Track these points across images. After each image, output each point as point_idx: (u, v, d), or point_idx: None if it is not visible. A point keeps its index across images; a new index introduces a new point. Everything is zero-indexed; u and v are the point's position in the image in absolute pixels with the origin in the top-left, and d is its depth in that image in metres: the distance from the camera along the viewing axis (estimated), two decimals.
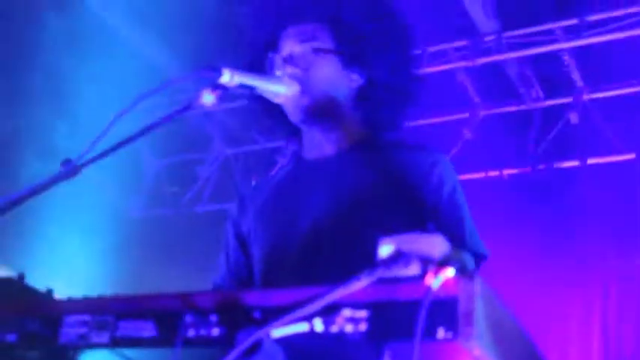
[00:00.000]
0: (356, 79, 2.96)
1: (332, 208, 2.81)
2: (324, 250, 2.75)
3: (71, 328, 1.98)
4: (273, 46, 2.97)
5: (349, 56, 2.93)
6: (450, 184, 2.84)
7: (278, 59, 2.89)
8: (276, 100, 2.85)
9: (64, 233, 7.63)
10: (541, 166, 7.65)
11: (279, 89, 2.79)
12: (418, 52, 7.26)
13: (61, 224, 7.52)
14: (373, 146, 2.96)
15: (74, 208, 7.27)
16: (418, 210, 2.76)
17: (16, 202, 2.26)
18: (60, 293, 2.17)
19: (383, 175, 2.85)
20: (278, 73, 2.83)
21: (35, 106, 7.09)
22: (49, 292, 2.18)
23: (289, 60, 2.88)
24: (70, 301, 2.07)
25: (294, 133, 3.06)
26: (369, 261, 2.34)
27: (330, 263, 2.68)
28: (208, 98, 2.48)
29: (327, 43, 2.92)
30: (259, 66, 2.88)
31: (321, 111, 2.89)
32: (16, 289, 2.15)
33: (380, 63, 2.96)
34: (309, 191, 2.89)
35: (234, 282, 3.03)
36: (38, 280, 2.20)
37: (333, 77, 2.92)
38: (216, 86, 2.50)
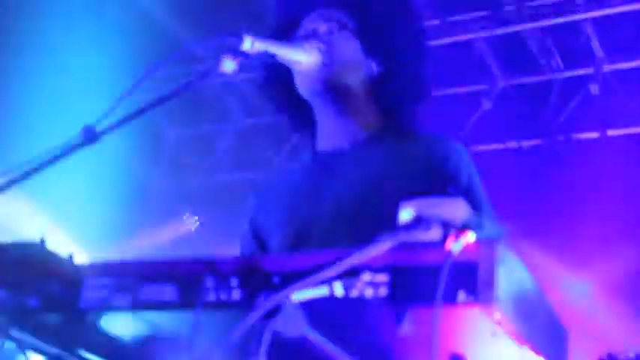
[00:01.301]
0: (374, 68, 2.97)
1: (351, 202, 2.80)
2: (344, 245, 2.75)
3: (92, 292, 1.99)
4: (295, 25, 2.97)
5: (371, 44, 2.93)
6: (467, 172, 2.83)
7: (300, 34, 2.89)
8: (297, 68, 2.84)
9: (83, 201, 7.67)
10: (560, 137, 7.62)
11: (302, 57, 2.78)
12: (436, 22, 7.24)
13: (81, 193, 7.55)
14: (388, 137, 2.94)
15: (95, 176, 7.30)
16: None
17: (34, 170, 2.27)
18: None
19: (399, 167, 2.84)
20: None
21: None
22: (70, 256, 2.19)
23: (313, 34, 2.88)
24: (91, 265, 2.08)
25: (301, 113, 3.04)
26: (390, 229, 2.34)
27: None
28: (229, 65, 2.47)
29: (352, 26, 2.93)
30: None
31: (338, 88, 2.88)
32: (36, 254, 2.16)
33: (400, 55, 2.97)
34: (327, 186, 2.88)
35: None
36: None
37: (355, 59, 2.93)
38: (237, 53, 2.49)
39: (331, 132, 2.97)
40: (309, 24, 2.94)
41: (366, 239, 2.67)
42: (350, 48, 2.92)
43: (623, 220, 7.44)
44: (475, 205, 2.77)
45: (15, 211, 7.14)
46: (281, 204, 3.00)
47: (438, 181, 2.78)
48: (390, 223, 2.07)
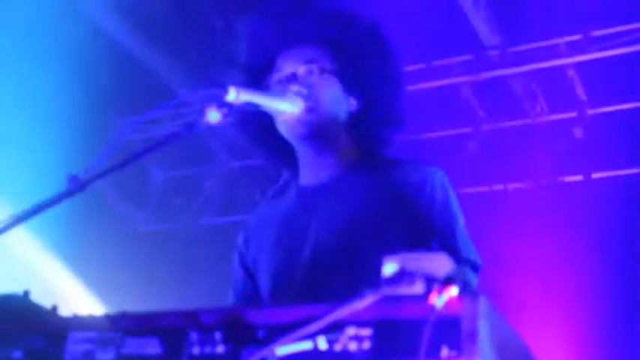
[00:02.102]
0: (353, 104, 3.00)
1: (333, 233, 2.83)
2: (328, 276, 2.76)
3: (76, 345, 1.99)
4: (269, 67, 2.99)
5: (350, 80, 2.96)
6: (442, 194, 2.86)
7: (279, 79, 2.92)
8: (281, 118, 2.87)
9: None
10: (545, 180, 7.65)
11: (285, 107, 2.80)
12: (422, 66, 7.29)
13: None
14: (368, 167, 2.98)
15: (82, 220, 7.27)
16: (417, 226, 2.77)
17: (21, 219, 2.28)
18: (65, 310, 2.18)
19: (379, 195, 2.87)
20: (275, 91, 2.85)
21: None
22: (54, 308, 2.18)
23: (293, 79, 2.90)
24: (76, 318, 2.08)
25: (283, 152, 3.07)
26: (373, 283, 2.36)
27: (334, 288, 2.69)
28: (214, 116, 2.50)
29: (330, 65, 2.96)
30: (257, 84, 2.91)
31: (324, 130, 2.91)
32: (20, 306, 2.16)
33: (377, 90, 3.00)
34: (311, 220, 2.91)
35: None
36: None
37: (336, 99, 2.95)
38: (222, 104, 2.51)
39: (313, 167, 3.00)
40: (285, 64, 2.96)
41: (348, 272, 2.69)
42: (331, 88, 2.95)
43: (608, 262, 7.45)
44: (450, 227, 2.80)
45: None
46: (267, 239, 3.03)
47: (416, 204, 2.81)
48: (372, 253, 2.08)
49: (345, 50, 2.97)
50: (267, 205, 3.24)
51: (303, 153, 3.02)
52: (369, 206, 2.85)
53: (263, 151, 3.20)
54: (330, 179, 2.97)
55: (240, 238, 3.15)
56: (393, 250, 2.05)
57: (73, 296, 7.91)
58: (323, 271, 2.79)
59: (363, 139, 3.04)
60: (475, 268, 2.75)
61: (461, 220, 2.87)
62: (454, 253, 2.67)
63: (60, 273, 7.85)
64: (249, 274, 3.06)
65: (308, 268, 2.83)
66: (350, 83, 2.98)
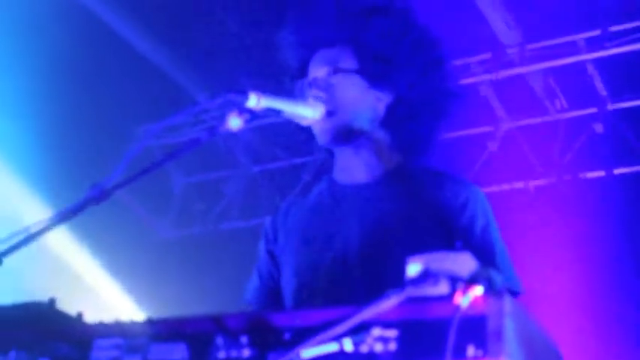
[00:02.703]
0: (383, 98, 2.96)
1: (363, 237, 2.82)
2: (354, 278, 2.76)
3: (102, 352, 2.00)
4: (303, 72, 2.99)
5: (372, 75, 2.93)
6: (484, 219, 2.84)
7: (305, 85, 2.92)
8: (304, 123, 2.87)
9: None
10: (567, 177, 7.62)
11: (305, 112, 2.81)
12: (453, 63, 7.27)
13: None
14: (406, 174, 2.95)
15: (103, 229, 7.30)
16: (449, 243, 2.74)
17: (46, 229, 2.29)
18: (91, 318, 2.19)
19: (415, 207, 2.85)
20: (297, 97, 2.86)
21: None
22: (80, 316, 2.20)
23: (313, 83, 2.90)
24: (101, 325, 2.08)
25: (328, 150, 3.06)
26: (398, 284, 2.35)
27: (360, 291, 2.69)
28: (235, 122, 2.51)
29: (349, 64, 2.93)
30: (290, 93, 2.91)
31: (348, 132, 2.89)
32: (46, 314, 2.17)
33: (402, 79, 2.96)
34: (342, 218, 2.90)
35: (267, 294, 3.04)
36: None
37: (358, 97, 2.92)
38: (243, 110, 2.52)
39: (348, 166, 2.99)
40: (310, 70, 2.97)
41: (375, 277, 2.69)
42: (350, 87, 2.93)
43: (631, 258, 7.41)
44: (490, 253, 2.77)
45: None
46: (295, 232, 3.03)
47: (454, 224, 2.79)
48: (400, 262, 2.07)
49: (365, 45, 2.95)
50: (297, 197, 3.22)
51: (338, 152, 3.01)
52: (401, 216, 2.83)
53: (300, 143, 3.16)
54: (365, 181, 2.95)
55: (267, 223, 3.15)
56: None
57: (109, 299, 7.95)
58: (349, 273, 2.79)
59: (399, 138, 3.01)
60: (514, 294, 2.71)
61: (500, 245, 2.83)
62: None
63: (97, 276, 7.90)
64: (274, 260, 3.07)
65: (335, 267, 2.83)
66: (373, 78, 2.95)
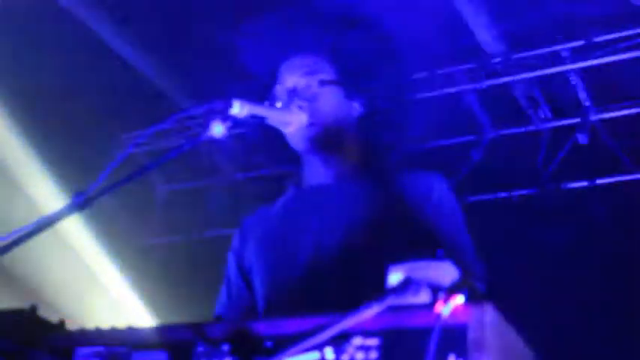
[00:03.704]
0: (357, 108, 3.01)
1: (332, 235, 2.83)
2: (326, 279, 2.76)
3: None
4: (273, 77, 3.00)
5: (351, 86, 2.96)
6: (449, 205, 2.87)
7: (282, 91, 2.93)
8: (285, 130, 2.88)
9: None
10: (550, 187, 7.65)
11: (289, 119, 2.82)
12: (425, 75, 7.29)
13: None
14: (372, 172, 2.98)
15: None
16: (419, 234, 2.77)
17: (24, 238, 2.28)
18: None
19: (383, 201, 2.87)
20: (279, 104, 2.86)
21: None
22: (62, 323, 2.19)
23: (295, 93, 2.91)
24: (83, 333, 2.08)
25: (293, 160, 3.08)
26: (371, 288, 2.36)
27: (332, 291, 2.69)
28: (218, 129, 2.51)
29: (329, 75, 2.96)
30: (261, 97, 2.92)
31: (327, 140, 2.92)
32: (27, 321, 2.16)
33: (378, 91, 3.00)
34: (309, 219, 2.91)
35: (236, 312, 3.04)
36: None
37: (338, 107, 2.96)
38: (226, 117, 2.53)
39: (317, 170, 3.02)
40: (286, 77, 2.98)
41: (347, 275, 2.70)
42: (332, 99, 2.96)
43: (614, 270, 7.43)
44: (457, 239, 2.80)
45: None
46: (263, 239, 3.03)
47: (421, 213, 2.81)
48: (372, 259, 2.08)
49: (344, 56, 2.98)
50: (264, 206, 3.23)
51: (309, 160, 3.02)
52: (372, 212, 2.85)
53: (266, 156, 3.19)
54: (333, 181, 2.97)
55: (235, 238, 3.16)
56: (394, 256, 2.04)
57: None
58: (322, 274, 2.79)
59: (370, 145, 3.04)
60: (481, 280, 2.74)
61: (464, 231, 2.87)
62: (461, 264, 2.67)
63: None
64: (244, 275, 3.07)
65: (305, 269, 2.83)
66: (351, 89, 2.98)
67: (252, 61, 3.11)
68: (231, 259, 3.14)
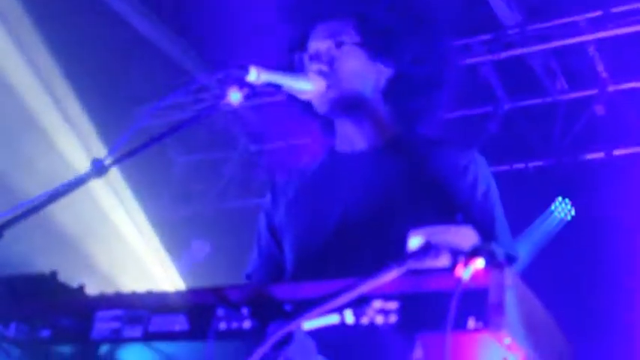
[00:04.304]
0: (384, 71, 2.97)
1: (364, 203, 2.82)
2: (355, 245, 2.76)
3: (104, 323, 2.00)
4: (302, 45, 2.99)
5: (374, 48, 2.93)
6: (485, 183, 2.83)
7: (305, 58, 2.91)
8: (303, 97, 2.86)
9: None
10: (567, 158, 7.63)
11: (305, 86, 2.80)
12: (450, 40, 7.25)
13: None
14: (406, 142, 2.95)
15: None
16: (451, 207, 2.74)
17: (46, 202, 2.29)
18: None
19: (415, 173, 2.85)
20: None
21: None
22: (81, 288, 2.20)
23: (315, 57, 2.90)
24: (102, 297, 2.09)
25: (327, 126, 3.07)
26: (400, 256, 2.35)
27: (361, 258, 2.68)
28: (235, 97, 2.50)
29: (351, 37, 2.93)
30: (289, 66, 2.91)
31: (349, 103, 2.90)
32: (48, 286, 2.18)
33: (405, 53, 2.97)
34: (341, 186, 2.91)
35: (266, 273, 3.05)
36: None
37: (359, 70, 2.93)
38: (242, 84, 2.51)
39: (349, 135, 2.99)
40: (311, 43, 2.96)
41: (376, 243, 2.69)
42: (352, 60, 2.92)
43: (631, 238, 7.41)
44: (490, 217, 2.78)
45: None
46: (295, 202, 3.04)
47: (455, 188, 2.79)
48: (401, 229, 2.07)
49: (368, 19, 2.95)
50: (296, 168, 3.22)
51: (339, 123, 3.02)
52: (402, 182, 2.84)
53: (301, 119, 3.16)
54: (366, 149, 2.96)
55: (267, 198, 3.16)
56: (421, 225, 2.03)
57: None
58: (350, 239, 2.78)
59: (400, 110, 3.02)
60: (512, 259, 2.72)
61: (500, 211, 2.83)
62: (492, 239, 2.65)
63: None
64: (274, 234, 3.07)
65: (335, 234, 2.83)
66: (375, 50, 2.95)
67: (280, 30, 3.09)
68: (262, 218, 3.14)
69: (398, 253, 1.79)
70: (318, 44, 2.93)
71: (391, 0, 2.97)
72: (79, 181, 2.37)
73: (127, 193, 7.75)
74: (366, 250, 2.71)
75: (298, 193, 3.03)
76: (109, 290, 2.13)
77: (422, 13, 3.01)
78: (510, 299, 1.68)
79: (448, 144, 2.94)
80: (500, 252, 2.51)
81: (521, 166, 7.82)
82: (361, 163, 2.93)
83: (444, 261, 1.78)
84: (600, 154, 7.57)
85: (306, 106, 2.96)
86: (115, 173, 2.32)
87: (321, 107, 2.90)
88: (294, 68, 2.91)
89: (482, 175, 2.84)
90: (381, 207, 2.79)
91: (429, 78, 2.99)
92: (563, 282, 7.19)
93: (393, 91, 2.98)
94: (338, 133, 3.02)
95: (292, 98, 2.93)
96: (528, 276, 1.87)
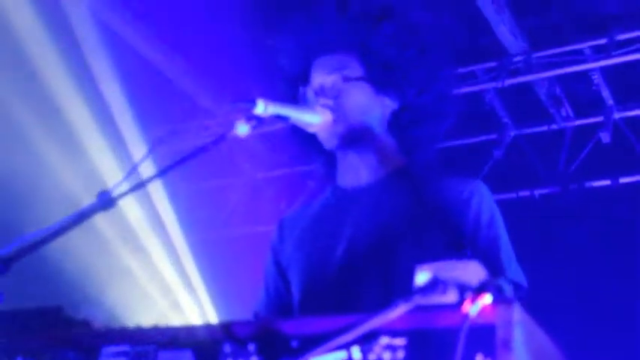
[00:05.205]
0: (389, 104, 2.98)
1: (369, 238, 2.81)
2: (358, 280, 2.76)
3: (110, 359, 1.99)
4: (305, 78, 2.99)
5: (380, 82, 2.94)
6: (488, 213, 2.83)
7: (310, 92, 2.91)
8: (310, 130, 2.87)
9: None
10: (573, 186, 7.62)
11: (313, 119, 2.81)
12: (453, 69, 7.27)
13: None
14: (410, 174, 2.95)
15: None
16: (455, 240, 2.74)
17: (52, 236, 2.28)
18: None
19: (420, 205, 2.84)
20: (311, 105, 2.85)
21: None
22: (87, 322, 2.19)
23: (321, 91, 2.90)
24: (108, 332, 2.08)
25: (329, 159, 3.07)
26: (406, 291, 2.36)
27: (367, 293, 2.68)
28: (243, 129, 2.51)
29: (356, 71, 2.93)
30: (292, 98, 2.92)
31: (355, 137, 2.90)
32: (53, 320, 2.17)
33: (409, 86, 2.97)
34: (347, 221, 2.90)
35: (274, 309, 3.05)
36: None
37: (365, 104, 2.93)
38: (250, 117, 2.52)
39: (353, 168, 2.99)
40: (314, 76, 2.96)
41: (382, 279, 2.69)
42: (358, 94, 2.93)
43: (637, 267, 7.39)
44: (495, 247, 2.77)
45: None
46: (301, 238, 3.03)
47: (459, 220, 2.79)
48: (407, 263, 2.06)
49: (372, 52, 2.95)
50: (302, 204, 3.22)
51: (342, 157, 3.01)
52: (407, 215, 2.83)
53: (305, 154, 3.16)
54: (369, 182, 2.96)
55: (274, 235, 3.16)
56: (428, 261, 2.02)
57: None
58: (356, 274, 2.78)
59: (404, 142, 3.03)
60: (519, 288, 2.72)
61: (505, 239, 2.82)
62: (499, 272, 2.65)
63: None
64: (281, 271, 3.07)
65: (341, 269, 2.82)
66: (380, 84, 2.96)
67: (279, 61, 3.10)
68: (269, 255, 3.14)
69: (402, 287, 1.78)
70: (323, 78, 2.93)
71: (394, 31, 2.97)
72: (85, 214, 2.37)
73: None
74: (370, 285, 2.71)
75: (305, 231, 3.03)
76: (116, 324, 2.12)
77: (424, 43, 3.01)
78: (518, 335, 1.67)
79: (450, 177, 2.94)
80: (507, 287, 2.51)
81: (526, 193, 7.81)
82: (365, 197, 2.92)
83: (451, 297, 1.77)
84: (606, 182, 7.56)
85: (309, 138, 2.96)
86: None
87: (328, 141, 2.90)
88: (298, 101, 2.92)
89: (485, 204, 2.84)
90: (385, 241, 2.79)
91: (433, 108, 3.00)
92: (570, 308, 7.18)
93: (397, 122, 2.99)
94: (341, 166, 3.02)
95: (296, 130, 2.93)
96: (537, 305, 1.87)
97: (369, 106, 2.94)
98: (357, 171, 2.97)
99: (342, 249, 2.84)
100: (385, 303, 2.57)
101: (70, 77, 6.84)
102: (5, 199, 6.34)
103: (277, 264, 3.08)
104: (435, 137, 3.10)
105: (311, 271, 2.91)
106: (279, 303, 3.05)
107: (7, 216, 6.03)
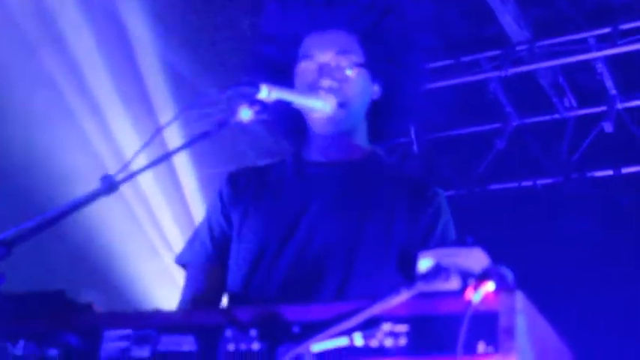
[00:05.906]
0: (376, 92, 2.99)
1: (332, 220, 2.81)
2: (325, 255, 2.75)
3: (112, 343, 1.99)
4: (297, 44, 2.96)
5: (376, 71, 2.94)
6: (445, 217, 2.88)
7: (312, 67, 2.88)
8: (313, 115, 2.85)
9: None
10: (575, 176, 7.62)
11: (316, 104, 2.79)
12: (450, 62, 7.27)
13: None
14: (378, 164, 2.99)
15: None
16: (411, 235, 2.79)
17: (53, 221, 2.28)
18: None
19: (387, 190, 2.88)
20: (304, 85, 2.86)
21: None
22: (89, 306, 2.19)
23: (325, 72, 2.86)
24: (111, 316, 2.08)
25: (298, 133, 3.05)
26: (366, 278, 2.38)
27: (326, 277, 2.69)
28: (246, 114, 2.49)
29: (359, 57, 2.92)
30: (284, 64, 2.90)
31: (351, 124, 2.91)
32: (56, 304, 2.17)
33: (398, 78, 2.99)
34: (312, 193, 2.88)
35: (213, 261, 2.98)
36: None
37: (365, 91, 2.94)
38: (253, 102, 2.51)
39: (325, 147, 2.97)
40: (316, 51, 2.92)
41: (342, 263, 2.70)
42: (360, 82, 2.92)
43: (638, 256, 7.40)
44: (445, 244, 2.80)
45: None
46: (257, 205, 2.97)
47: (418, 218, 2.83)
48: (367, 251, 2.05)
49: (375, 41, 2.94)
50: (255, 169, 3.16)
51: (318, 137, 2.98)
52: (375, 197, 2.86)
53: (274, 126, 3.14)
54: (338, 160, 2.95)
55: (223, 186, 3.07)
56: (385, 250, 2.03)
57: None
58: (316, 253, 2.77)
59: (375, 129, 3.05)
60: None
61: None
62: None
63: None
64: (230, 224, 2.98)
65: (299, 250, 2.79)
66: (378, 73, 2.96)
67: (277, 25, 3.05)
68: (216, 203, 3.05)
69: (365, 268, 1.76)
70: (329, 58, 2.89)
71: (390, 20, 2.97)
72: (88, 199, 2.36)
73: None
74: (332, 270, 2.71)
75: (262, 198, 2.96)
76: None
77: (413, 38, 3.03)
78: (521, 323, 1.67)
79: (413, 174, 3.05)
80: (510, 275, 2.51)
81: (529, 183, 7.81)
82: (332, 173, 2.91)
83: (454, 284, 1.77)
84: (609, 172, 7.56)
85: (294, 117, 2.95)
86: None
87: (324, 127, 2.87)
88: (291, 69, 2.90)
89: (443, 209, 2.89)
90: (350, 219, 2.80)
91: (408, 103, 3.04)
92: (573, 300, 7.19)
93: (375, 110, 3.00)
94: (313, 143, 2.99)
95: (284, 109, 2.89)
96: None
97: (365, 92, 2.94)
98: (328, 150, 2.96)
99: (302, 229, 2.81)
100: (340, 290, 2.63)
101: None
102: (45, 176, 6.41)
103: (227, 217, 2.99)
104: (399, 128, 3.18)
105: (265, 244, 2.84)
106: (220, 252, 2.96)
107: (48, 193, 6.09)
